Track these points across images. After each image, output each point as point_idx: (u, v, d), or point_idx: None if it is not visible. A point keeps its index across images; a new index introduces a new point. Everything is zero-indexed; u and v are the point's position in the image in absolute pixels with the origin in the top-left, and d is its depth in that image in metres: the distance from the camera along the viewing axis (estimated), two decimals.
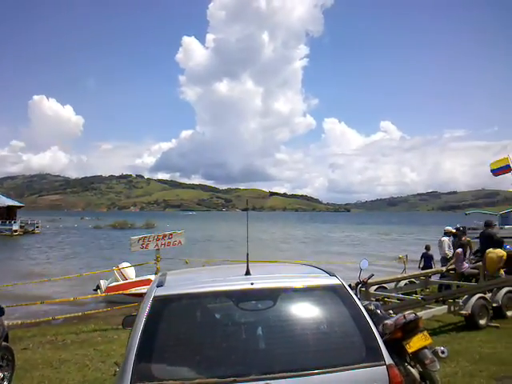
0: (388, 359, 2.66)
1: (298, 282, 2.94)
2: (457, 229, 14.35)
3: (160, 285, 2.89)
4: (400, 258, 18.55)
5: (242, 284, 2.85)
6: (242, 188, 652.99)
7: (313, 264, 3.71)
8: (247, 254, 3.16)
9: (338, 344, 2.72)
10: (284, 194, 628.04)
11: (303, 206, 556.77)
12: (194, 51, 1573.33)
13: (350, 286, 5.82)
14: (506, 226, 32.38)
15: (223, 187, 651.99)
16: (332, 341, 2.73)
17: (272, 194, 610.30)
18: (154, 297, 2.75)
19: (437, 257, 13.58)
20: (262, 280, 2.92)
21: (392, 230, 64.97)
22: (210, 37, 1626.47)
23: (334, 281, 2.99)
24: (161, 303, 2.73)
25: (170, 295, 2.79)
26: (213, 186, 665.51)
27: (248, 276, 3.00)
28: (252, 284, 2.83)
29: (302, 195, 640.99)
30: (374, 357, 2.64)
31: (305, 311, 2.88)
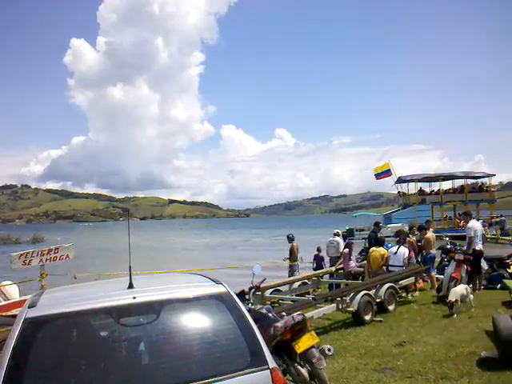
0: (272, 363, 2.71)
1: (182, 293, 2.89)
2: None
3: (32, 305, 2.66)
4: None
5: (124, 298, 2.73)
6: (140, 196, 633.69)
7: (202, 273, 3.68)
8: (129, 267, 3.04)
9: (223, 352, 2.72)
10: (184, 202, 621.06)
11: (204, 212, 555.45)
12: (83, 54, 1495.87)
13: (243, 291, 5.93)
14: (389, 226, 35.24)
15: (120, 196, 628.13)
16: (218, 349, 2.72)
17: (171, 201, 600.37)
18: (25, 319, 2.53)
19: (327, 258, 14.19)
20: (145, 293, 2.82)
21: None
22: (101, 40, 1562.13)
23: (219, 289, 2.99)
24: (32, 325, 2.51)
25: (43, 316, 2.58)
26: (109, 194, 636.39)
27: (131, 289, 2.88)
28: (134, 298, 2.72)
29: (202, 202, 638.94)
30: (257, 362, 2.68)
31: (190, 322, 2.84)
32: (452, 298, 8.16)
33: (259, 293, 8.90)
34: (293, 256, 13.37)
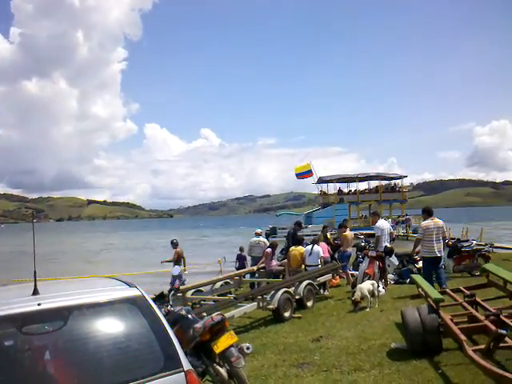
0: (187, 365, 2.68)
1: (93, 298, 2.75)
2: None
3: None
4: (219, 261, 19.46)
5: (28, 305, 2.55)
6: (55, 196, 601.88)
7: (118, 277, 3.54)
8: (34, 272, 2.86)
9: (136, 357, 2.64)
10: (104, 202, 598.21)
11: (125, 213, 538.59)
12: None
13: (162, 293, 5.82)
14: (310, 225, 36.36)
15: (33, 196, 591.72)
16: (130, 355, 2.64)
17: (90, 202, 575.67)
18: None
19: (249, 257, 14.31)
20: (51, 299, 2.65)
21: (214, 233, 67.62)
22: (15, 31, 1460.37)
23: (133, 292, 2.90)
24: None
25: None
26: (21, 194, 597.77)
27: (36, 296, 2.71)
28: (39, 304, 2.56)
29: (123, 202, 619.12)
30: (172, 365, 2.63)
31: (101, 327, 2.72)
32: (357, 296, 8.59)
33: (180, 294, 8.83)
34: (177, 261, 12.97)
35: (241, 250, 14.21)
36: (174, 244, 13.23)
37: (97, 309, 2.74)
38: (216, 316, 4.70)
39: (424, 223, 9.07)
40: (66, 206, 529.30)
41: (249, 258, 14.01)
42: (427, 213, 9.22)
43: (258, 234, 14.30)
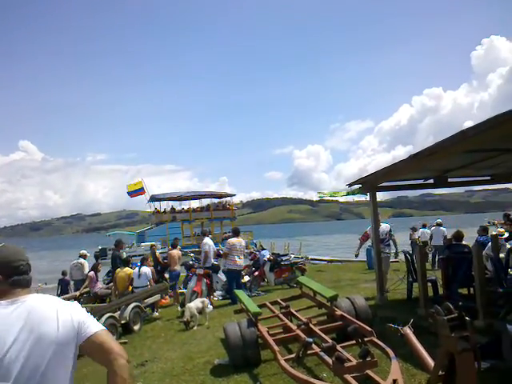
0: None
1: None
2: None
3: None
4: (39, 286, 17.68)
5: None
6: None
7: None
8: None
9: None
10: None
11: None
12: None
13: None
14: (143, 244, 35.48)
15: None
16: None
17: None
18: None
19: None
20: None
21: (35, 257, 61.27)
22: None
23: None
24: None
25: None
26: None
27: None
28: None
29: None
30: None
31: None
32: (187, 315, 8.66)
33: None
34: None
35: (63, 274, 13.21)
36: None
37: None
38: None
39: (231, 240, 10.77)
40: None
41: (72, 283, 13.07)
42: (234, 232, 11.17)
43: (81, 256, 13.39)
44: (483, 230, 9.70)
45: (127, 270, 10.51)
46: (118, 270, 10.58)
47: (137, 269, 10.63)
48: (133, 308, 9.20)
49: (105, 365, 1.90)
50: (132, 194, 40.12)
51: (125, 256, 11.83)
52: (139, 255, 23.68)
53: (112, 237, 49.01)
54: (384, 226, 9.96)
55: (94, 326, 1.95)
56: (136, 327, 9.19)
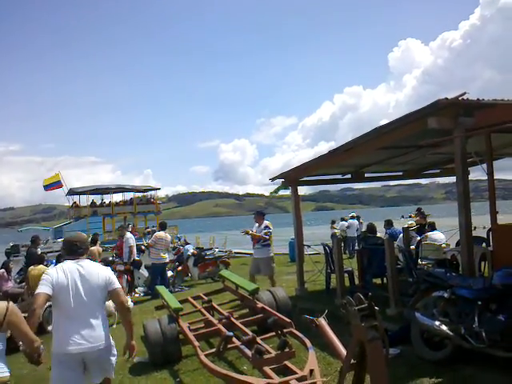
0: None
1: None
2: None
3: None
4: None
5: None
6: None
7: None
8: None
9: None
10: None
11: None
12: None
13: None
14: (59, 240, 33.77)
15: None
16: None
17: None
18: None
19: None
20: None
21: None
22: None
23: None
24: None
25: None
26: None
27: None
28: None
29: None
30: None
31: None
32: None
33: None
34: None
35: None
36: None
37: None
38: None
39: (158, 234, 10.91)
40: None
41: None
42: (161, 226, 11.48)
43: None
44: (388, 223, 10.28)
45: (41, 267, 9.89)
46: (32, 267, 9.95)
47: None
48: (47, 307, 8.69)
49: (117, 307, 4.01)
50: (48, 188, 37.89)
51: (39, 252, 11.17)
52: (55, 251, 22.50)
53: (24, 232, 46.14)
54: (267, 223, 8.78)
55: (116, 284, 3.66)
56: (50, 327, 8.69)
